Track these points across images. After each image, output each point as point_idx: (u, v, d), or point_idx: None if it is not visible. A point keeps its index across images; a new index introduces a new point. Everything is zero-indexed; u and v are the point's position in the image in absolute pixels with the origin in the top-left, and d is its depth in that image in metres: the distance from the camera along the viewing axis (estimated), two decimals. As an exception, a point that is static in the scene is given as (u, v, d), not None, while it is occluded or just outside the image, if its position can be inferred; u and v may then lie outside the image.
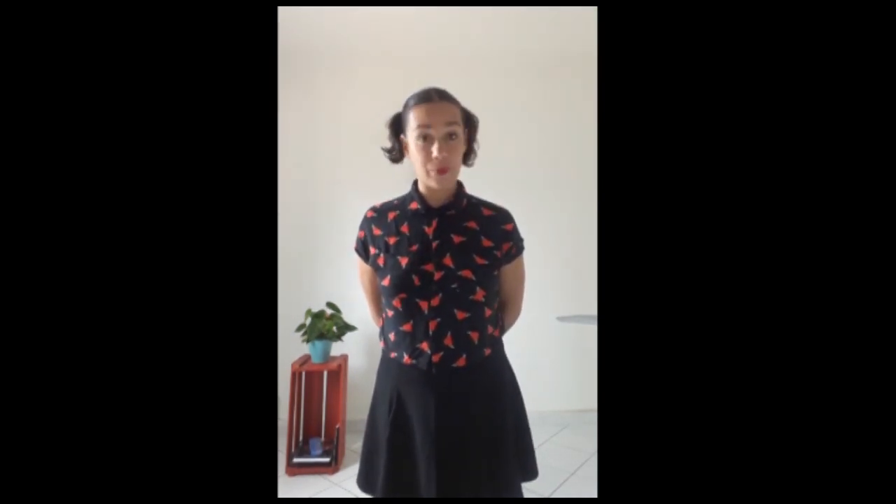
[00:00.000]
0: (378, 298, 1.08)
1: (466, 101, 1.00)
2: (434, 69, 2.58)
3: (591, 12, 2.13)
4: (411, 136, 0.94)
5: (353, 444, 2.37)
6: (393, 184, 1.30)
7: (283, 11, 2.15)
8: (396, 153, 1.02)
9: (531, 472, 1.05)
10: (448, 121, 0.92)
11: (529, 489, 1.92)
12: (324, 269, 2.62)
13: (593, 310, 2.58)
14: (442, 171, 0.92)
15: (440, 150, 0.91)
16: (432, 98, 0.93)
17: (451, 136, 0.92)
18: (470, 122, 1.01)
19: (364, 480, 1.03)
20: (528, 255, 1.08)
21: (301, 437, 2.32)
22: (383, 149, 1.05)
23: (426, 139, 0.92)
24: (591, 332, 2.65)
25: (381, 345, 1.05)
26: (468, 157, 1.03)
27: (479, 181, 1.28)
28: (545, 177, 2.73)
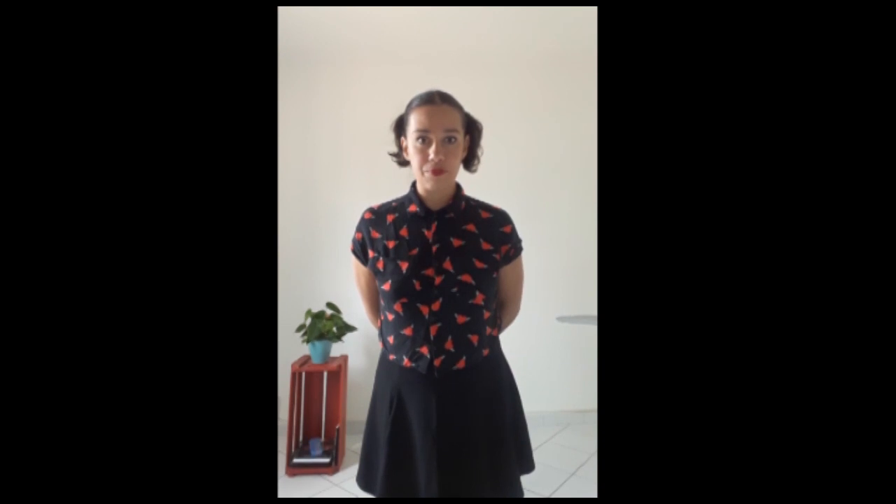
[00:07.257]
0: (374, 300, 1.08)
1: (466, 101, 1.00)
2: (434, 69, 2.58)
3: (591, 12, 2.13)
4: (410, 137, 0.93)
5: (353, 445, 2.37)
6: (393, 184, 1.29)
7: (283, 11, 2.15)
8: (403, 157, 1.01)
9: (528, 466, 1.06)
10: (447, 125, 0.91)
11: (529, 489, 1.92)
12: (324, 269, 2.61)
13: (593, 310, 2.58)
14: (437, 172, 0.91)
15: (437, 152, 0.90)
16: (434, 101, 0.93)
17: (449, 139, 0.92)
18: (473, 127, 1.00)
19: (363, 479, 1.03)
20: (528, 256, 1.08)
21: (301, 438, 2.32)
22: (390, 154, 1.04)
23: (424, 141, 0.91)
24: (591, 332, 2.65)
25: (380, 346, 1.06)
26: (470, 162, 1.03)
27: (478, 181, 1.28)
28: (545, 177, 2.72)
